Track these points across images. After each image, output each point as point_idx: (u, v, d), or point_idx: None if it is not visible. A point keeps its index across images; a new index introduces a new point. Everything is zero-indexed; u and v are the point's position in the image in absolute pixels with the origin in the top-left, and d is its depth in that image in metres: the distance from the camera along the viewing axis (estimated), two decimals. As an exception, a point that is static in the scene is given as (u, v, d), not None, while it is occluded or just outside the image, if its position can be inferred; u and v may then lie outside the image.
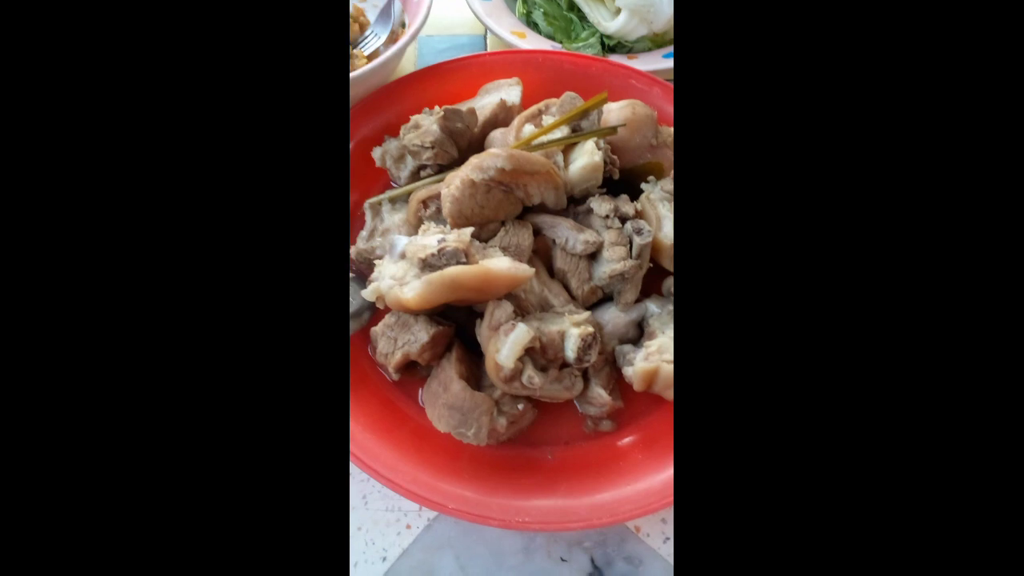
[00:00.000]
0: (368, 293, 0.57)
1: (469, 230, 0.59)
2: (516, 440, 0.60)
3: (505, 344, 0.53)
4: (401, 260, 0.57)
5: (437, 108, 0.72)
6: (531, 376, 0.53)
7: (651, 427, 0.61)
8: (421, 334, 0.58)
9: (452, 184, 0.62)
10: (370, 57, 0.87)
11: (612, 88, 0.83)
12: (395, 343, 0.59)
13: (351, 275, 0.69)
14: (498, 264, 0.56)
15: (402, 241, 0.59)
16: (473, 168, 0.61)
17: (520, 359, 0.54)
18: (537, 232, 0.67)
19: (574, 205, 0.70)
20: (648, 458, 0.57)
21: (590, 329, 0.56)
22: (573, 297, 0.65)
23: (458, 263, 0.55)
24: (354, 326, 0.65)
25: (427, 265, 0.55)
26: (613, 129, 0.70)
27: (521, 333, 0.53)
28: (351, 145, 0.78)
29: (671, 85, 0.82)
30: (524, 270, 0.56)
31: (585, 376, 0.60)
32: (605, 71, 0.84)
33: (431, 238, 0.57)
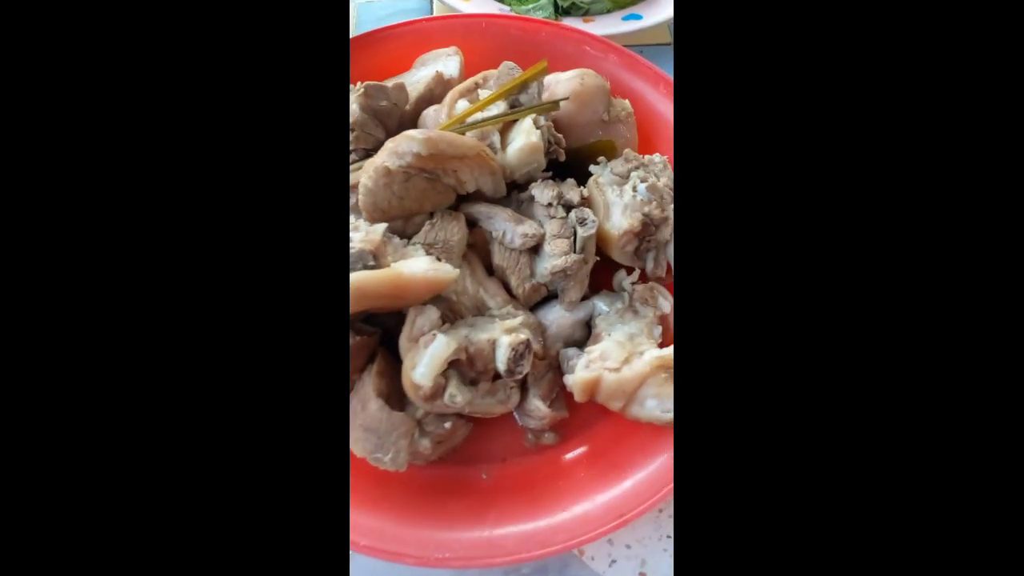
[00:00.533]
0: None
1: (381, 227, 0.52)
2: (448, 457, 0.54)
3: (422, 359, 0.47)
4: (306, 264, 0.50)
5: (359, 85, 0.64)
6: (453, 395, 0.47)
7: (598, 438, 0.55)
8: (335, 346, 0.51)
9: (366, 173, 0.54)
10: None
11: (564, 55, 0.75)
12: (307, 356, 0.52)
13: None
14: (413, 267, 0.49)
15: (309, 242, 0.51)
16: (389, 154, 0.54)
17: (444, 373, 0.48)
18: (474, 224, 0.61)
19: (517, 191, 0.63)
20: (592, 476, 0.52)
21: (522, 337, 0.50)
22: (514, 296, 0.59)
23: (365, 267, 0.48)
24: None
25: (331, 271, 0.48)
26: (555, 104, 0.62)
27: (439, 347, 0.47)
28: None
29: (629, 52, 0.74)
30: (445, 272, 0.50)
31: (524, 385, 0.54)
32: (556, 37, 0.76)
33: (340, 238, 0.50)
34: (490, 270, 0.60)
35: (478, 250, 0.61)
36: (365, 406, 0.50)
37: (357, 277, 0.46)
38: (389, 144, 0.54)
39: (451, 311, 0.56)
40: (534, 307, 0.60)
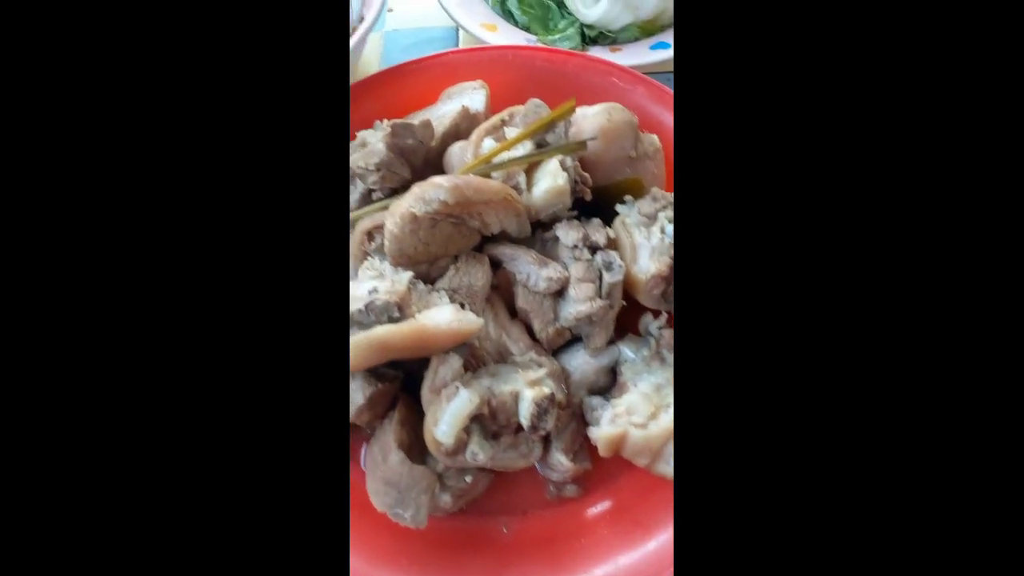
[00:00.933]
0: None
1: (406, 276, 0.51)
2: (469, 508, 0.53)
3: (444, 416, 0.46)
4: (329, 313, 0.50)
5: (384, 122, 0.64)
6: (475, 452, 0.46)
7: (622, 492, 0.53)
8: (356, 395, 0.51)
9: (392, 219, 0.54)
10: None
11: (591, 87, 0.74)
12: (330, 403, 0.52)
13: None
14: (437, 318, 0.48)
15: (332, 289, 0.51)
16: (415, 200, 0.53)
17: (466, 429, 0.47)
18: (498, 265, 0.60)
19: (542, 230, 0.62)
20: (615, 533, 0.50)
21: (546, 391, 0.49)
22: (537, 340, 0.58)
23: (390, 319, 0.47)
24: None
25: (354, 322, 0.47)
26: (582, 144, 0.61)
27: (462, 403, 0.46)
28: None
29: (657, 84, 0.73)
30: (468, 323, 0.49)
31: (547, 438, 0.53)
32: (583, 68, 0.75)
33: (363, 286, 0.50)
34: (513, 312, 0.59)
35: (501, 292, 0.60)
36: (386, 458, 0.49)
37: (383, 332, 0.45)
38: (416, 190, 0.54)
39: (473, 357, 0.55)
40: (557, 351, 0.59)
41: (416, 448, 0.51)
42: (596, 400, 0.54)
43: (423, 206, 0.53)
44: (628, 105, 0.67)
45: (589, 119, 0.65)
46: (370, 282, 0.50)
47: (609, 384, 0.57)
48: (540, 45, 0.84)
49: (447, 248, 0.56)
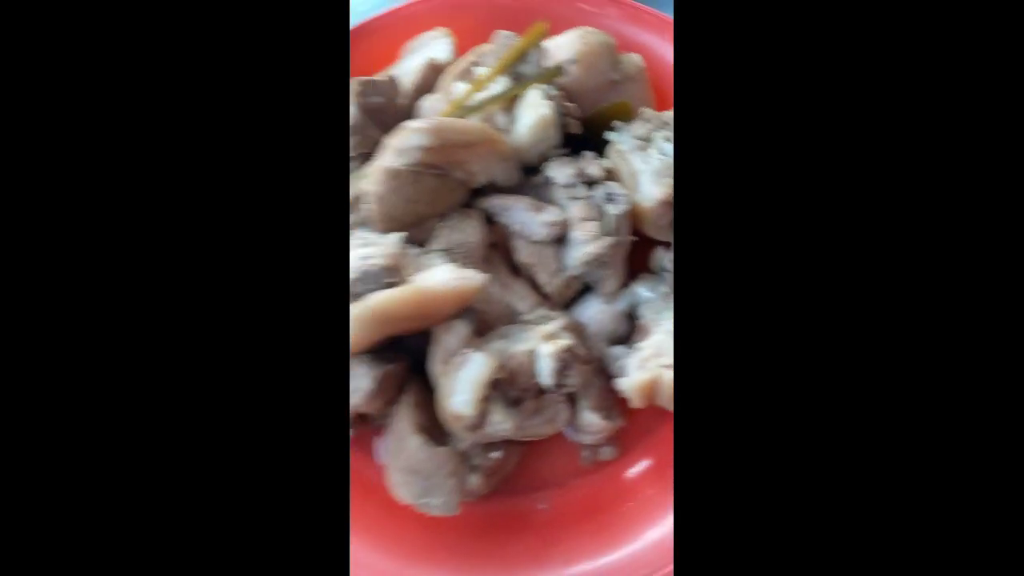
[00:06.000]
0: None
1: (397, 237, 0.45)
2: (501, 488, 0.48)
3: (459, 384, 0.41)
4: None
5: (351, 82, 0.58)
6: (499, 422, 0.41)
7: (663, 445, 0.49)
8: (364, 380, 0.45)
9: (371, 179, 0.48)
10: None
11: (559, 19, 0.67)
12: (330, 396, 0.46)
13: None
14: (435, 278, 0.43)
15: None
16: (392, 153, 0.47)
17: (485, 397, 0.42)
18: (492, 220, 0.54)
19: (532, 175, 0.56)
20: (661, 491, 0.46)
21: (565, 342, 0.44)
22: (545, 296, 0.52)
23: (386, 285, 0.42)
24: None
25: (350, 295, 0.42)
26: (558, 69, 0.55)
27: (477, 368, 0.41)
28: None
29: (629, 1, 0.67)
30: (470, 281, 0.43)
31: (572, 397, 0.48)
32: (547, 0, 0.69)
33: (353, 256, 0.44)
34: (516, 269, 0.54)
35: (500, 249, 0.55)
36: (404, 445, 0.44)
37: (381, 300, 0.40)
38: (391, 142, 0.48)
39: (480, 322, 0.50)
40: (568, 305, 0.54)
41: (435, 430, 0.46)
42: (619, 349, 0.49)
43: (401, 158, 0.47)
44: (601, 29, 0.61)
45: (563, 47, 0.59)
46: (360, 250, 0.44)
47: (629, 331, 0.52)
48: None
49: (434, 206, 0.50)
